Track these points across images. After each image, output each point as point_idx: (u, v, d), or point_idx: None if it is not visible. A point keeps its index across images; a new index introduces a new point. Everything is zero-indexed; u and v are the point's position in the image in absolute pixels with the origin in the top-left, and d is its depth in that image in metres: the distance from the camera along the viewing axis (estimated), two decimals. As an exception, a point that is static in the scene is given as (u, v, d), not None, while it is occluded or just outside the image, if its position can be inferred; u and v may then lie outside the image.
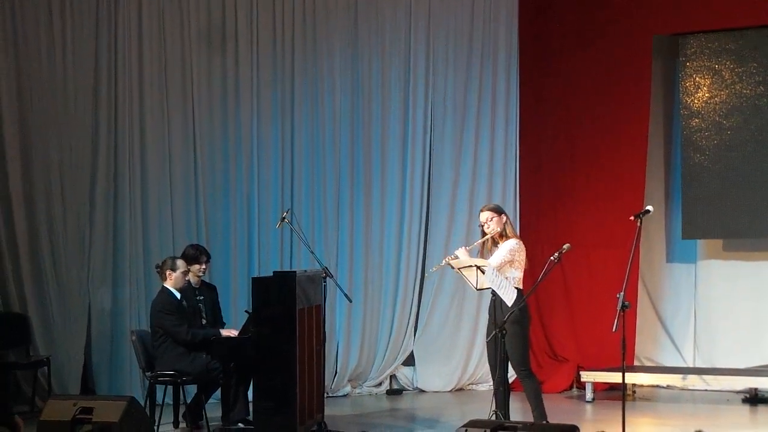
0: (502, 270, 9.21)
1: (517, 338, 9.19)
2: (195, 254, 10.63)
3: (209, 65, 12.35)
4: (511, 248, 9.26)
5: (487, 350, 9.39)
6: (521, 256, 9.28)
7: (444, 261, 9.47)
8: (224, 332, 10.24)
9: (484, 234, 9.39)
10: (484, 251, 9.43)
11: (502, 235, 9.35)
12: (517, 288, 9.22)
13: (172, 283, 10.23)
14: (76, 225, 11.67)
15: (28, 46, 11.55)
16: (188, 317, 10.30)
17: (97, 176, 11.78)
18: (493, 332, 9.14)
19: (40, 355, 11.40)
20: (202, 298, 10.66)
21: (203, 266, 10.66)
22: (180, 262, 10.30)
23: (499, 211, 9.42)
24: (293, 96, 12.69)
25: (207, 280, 11.10)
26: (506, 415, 9.15)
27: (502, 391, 9.22)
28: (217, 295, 10.98)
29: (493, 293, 9.56)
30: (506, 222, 9.38)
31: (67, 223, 11.64)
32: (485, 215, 9.39)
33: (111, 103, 11.85)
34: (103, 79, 11.81)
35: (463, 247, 9.43)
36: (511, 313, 9.16)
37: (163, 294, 10.23)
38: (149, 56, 12.03)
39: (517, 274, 9.24)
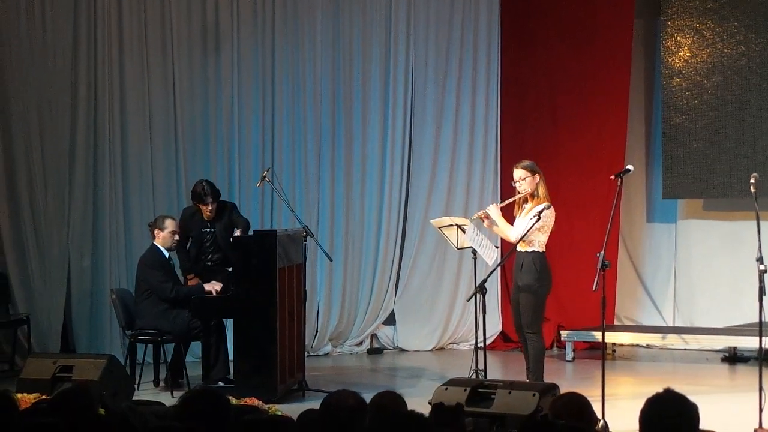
0: (530, 233, 9.10)
1: (530, 299, 9.22)
2: (200, 194, 10.43)
3: (189, 23, 12.24)
4: (542, 214, 9.07)
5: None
6: (550, 222, 9.16)
7: (475, 215, 9.42)
8: (207, 286, 10.18)
9: (517, 192, 9.30)
10: (514, 209, 9.37)
11: (533, 196, 9.23)
12: (539, 251, 9.19)
13: (160, 241, 10.27)
14: (55, 183, 11.59)
15: (6, 2, 11.43)
16: (174, 276, 10.31)
17: (77, 135, 11.69)
18: (473, 293, 9.18)
19: (19, 314, 11.36)
20: (213, 230, 10.52)
21: (209, 207, 10.47)
22: (168, 222, 10.27)
23: (532, 170, 9.22)
24: (274, 54, 12.59)
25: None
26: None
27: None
28: (232, 208, 10.75)
29: (474, 252, 9.59)
30: (539, 183, 9.22)
31: (47, 181, 11.56)
32: (518, 173, 9.25)
33: (90, 62, 11.74)
34: (82, 36, 11.70)
35: (496, 204, 9.37)
36: (491, 273, 9.20)
37: (152, 250, 10.29)
38: (128, 11, 11.91)
39: (542, 238, 9.16)
